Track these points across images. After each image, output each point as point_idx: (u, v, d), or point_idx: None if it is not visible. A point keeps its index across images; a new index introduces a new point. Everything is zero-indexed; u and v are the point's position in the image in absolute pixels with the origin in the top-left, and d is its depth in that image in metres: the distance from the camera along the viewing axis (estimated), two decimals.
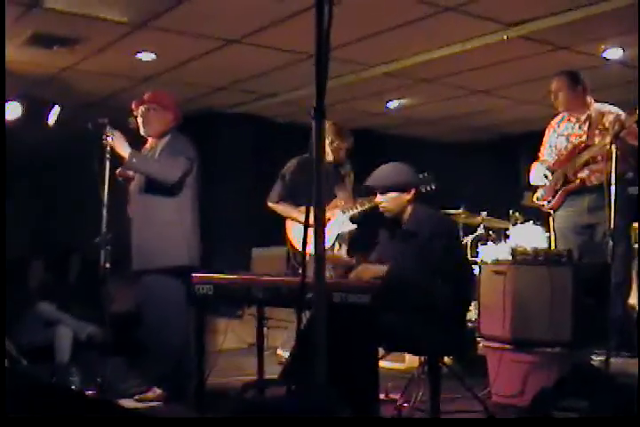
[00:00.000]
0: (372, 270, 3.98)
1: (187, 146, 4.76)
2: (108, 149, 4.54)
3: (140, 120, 4.81)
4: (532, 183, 5.29)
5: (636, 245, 5.51)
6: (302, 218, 5.37)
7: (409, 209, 4.14)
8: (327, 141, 5.26)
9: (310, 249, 2.39)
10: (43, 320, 5.85)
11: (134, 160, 4.59)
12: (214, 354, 4.89)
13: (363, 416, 3.23)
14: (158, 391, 4.61)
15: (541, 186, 5.21)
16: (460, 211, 6.44)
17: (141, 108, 4.83)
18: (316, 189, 2.49)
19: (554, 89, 5.13)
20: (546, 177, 5.13)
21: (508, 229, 6.14)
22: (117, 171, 4.82)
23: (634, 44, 5.66)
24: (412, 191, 4.13)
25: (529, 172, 5.31)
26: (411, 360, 5.27)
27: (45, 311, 5.88)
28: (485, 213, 6.59)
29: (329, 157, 5.32)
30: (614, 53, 6.08)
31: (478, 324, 4.71)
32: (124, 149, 4.59)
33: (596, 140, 4.84)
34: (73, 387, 4.90)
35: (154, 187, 4.66)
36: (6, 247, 6.57)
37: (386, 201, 4.15)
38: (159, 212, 4.67)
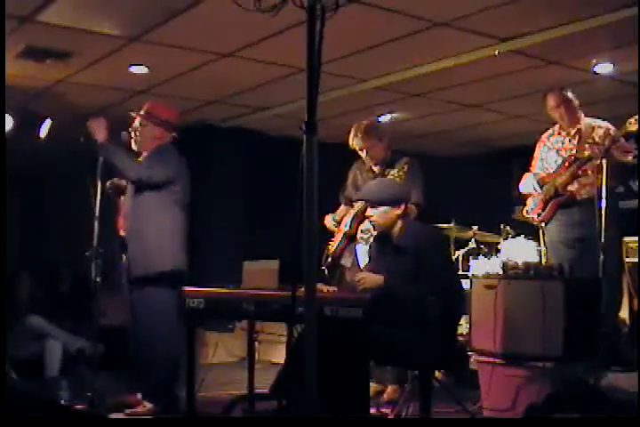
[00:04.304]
0: (373, 279, 3.98)
1: (170, 157, 4.77)
2: (100, 162, 4.54)
3: (132, 134, 4.81)
4: (521, 191, 5.33)
5: (628, 260, 5.53)
6: (326, 222, 5.37)
7: (400, 223, 4.15)
8: (357, 145, 5.21)
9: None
10: (32, 333, 5.83)
11: (108, 147, 4.59)
12: (205, 368, 4.88)
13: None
14: (148, 405, 4.59)
15: (530, 196, 5.24)
16: (451, 225, 6.45)
17: (136, 122, 4.83)
18: (307, 201, 2.49)
19: (554, 104, 5.15)
20: (535, 189, 5.17)
21: (499, 243, 6.14)
22: (108, 183, 4.82)
23: (624, 58, 5.70)
24: (403, 206, 4.15)
25: (519, 183, 5.35)
26: None
27: (35, 324, 5.86)
28: (476, 227, 6.60)
29: (367, 160, 5.26)
30: (605, 68, 6.11)
31: (469, 338, 4.71)
32: (101, 135, 4.61)
33: (586, 153, 4.86)
34: (62, 401, 4.87)
35: (145, 199, 4.66)
36: None
37: (376, 215, 4.16)
38: (147, 222, 4.68)
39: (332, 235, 5.36)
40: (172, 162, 4.74)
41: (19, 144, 6.04)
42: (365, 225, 5.09)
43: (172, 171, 4.70)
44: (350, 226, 5.21)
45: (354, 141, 5.21)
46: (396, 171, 4.96)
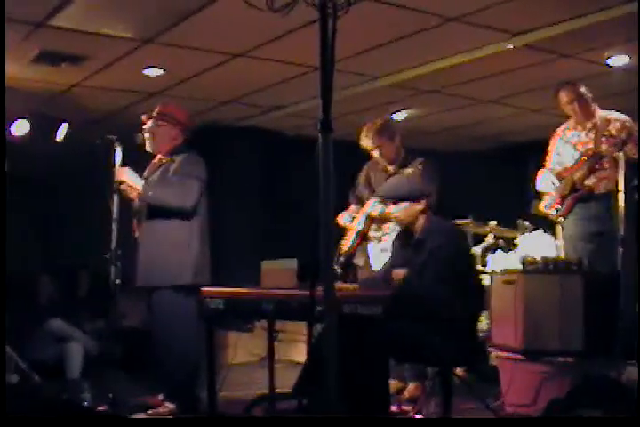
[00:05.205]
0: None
1: (199, 167, 4.76)
2: (117, 165, 4.54)
3: (146, 135, 4.81)
4: (538, 190, 5.30)
5: None
6: (340, 220, 5.36)
7: (421, 219, 4.14)
8: (368, 145, 5.18)
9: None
10: (53, 336, 5.85)
11: (150, 193, 4.60)
12: (225, 368, 4.89)
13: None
14: (170, 406, 4.60)
15: (548, 193, 5.21)
16: (469, 220, 6.43)
17: (149, 123, 4.83)
18: (323, 200, 2.49)
19: (567, 99, 5.12)
20: (553, 184, 5.14)
21: (516, 238, 6.12)
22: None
23: (637, 51, 5.66)
24: (424, 201, 4.14)
25: (536, 179, 5.32)
26: None
27: (56, 327, 5.88)
28: (494, 222, 6.58)
29: (380, 160, 5.24)
30: (619, 61, 6.08)
31: (490, 334, 4.70)
32: (136, 183, 4.62)
33: (603, 147, 4.84)
34: (84, 403, 4.89)
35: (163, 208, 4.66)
36: (15, 263, 6.56)
37: (398, 211, 4.15)
38: (169, 231, 4.66)
39: (343, 233, 5.35)
40: (204, 174, 4.75)
41: (36, 148, 6.07)
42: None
43: (203, 184, 4.72)
44: (364, 224, 5.20)
45: (364, 141, 5.18)
46: (410, 171, 4.95)
